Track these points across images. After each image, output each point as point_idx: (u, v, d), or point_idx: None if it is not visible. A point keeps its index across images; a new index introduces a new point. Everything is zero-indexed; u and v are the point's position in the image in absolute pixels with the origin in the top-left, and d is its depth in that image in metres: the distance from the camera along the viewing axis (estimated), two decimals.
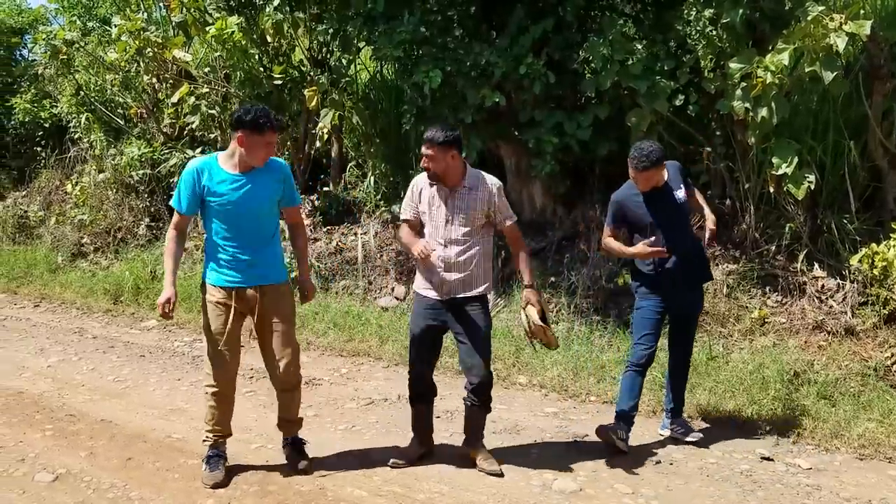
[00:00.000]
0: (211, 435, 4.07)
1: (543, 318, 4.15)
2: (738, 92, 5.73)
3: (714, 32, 6.04)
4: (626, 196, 4.54)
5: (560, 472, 4.14)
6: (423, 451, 4.33)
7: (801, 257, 6.12)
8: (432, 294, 4.07)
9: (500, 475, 4.08)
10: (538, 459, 4.31)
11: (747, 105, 5.69)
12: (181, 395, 5.42)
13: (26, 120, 12.02)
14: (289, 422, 4.24)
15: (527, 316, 4.14)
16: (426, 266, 4.04)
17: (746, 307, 6.12)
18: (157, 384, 5.66)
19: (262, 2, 8.80)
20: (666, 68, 6.24)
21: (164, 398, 5.35)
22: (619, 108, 6.64)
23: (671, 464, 4.30)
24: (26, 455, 4.31)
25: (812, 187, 5.67)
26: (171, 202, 3.98)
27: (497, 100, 6.57)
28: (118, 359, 6.29)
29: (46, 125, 12.03)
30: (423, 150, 3.94)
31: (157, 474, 4.10)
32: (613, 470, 4.18)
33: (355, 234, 8.24)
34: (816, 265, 6.09)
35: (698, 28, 6.13)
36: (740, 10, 5.67)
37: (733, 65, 5.73)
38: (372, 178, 8.50)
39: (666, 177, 4.44)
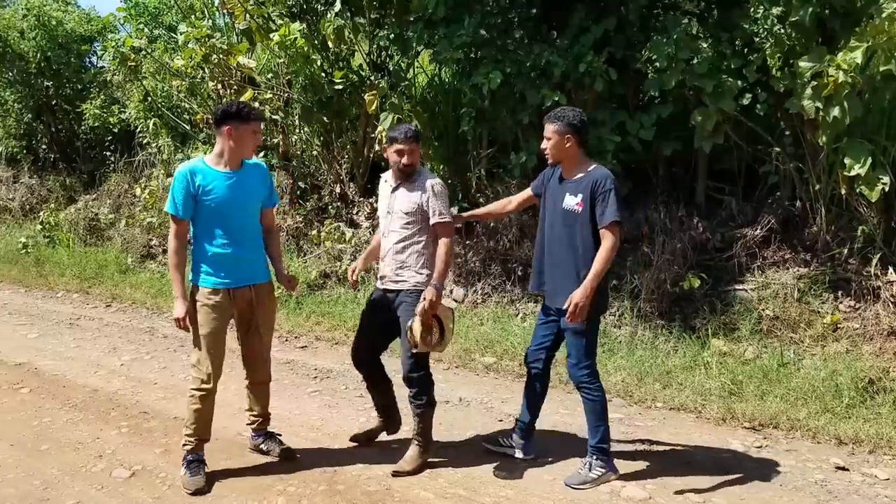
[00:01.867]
0: (193, 439, 4.08)
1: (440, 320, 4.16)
2: (809, 91, 5.60)
3: (782, 30, 5.89)
4: None
5: (628, 479, 4.10)
6: (378, 427, 4.64)
7: (874, 261, 5.92)
8: (378, 283, 4.38)
9: (408, 473, 4.15)
10: None
11: (818, 104, 5.55)
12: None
13: (96, 125, 12.40)
14: (266, 416, 4.44)
15: (410, 328, 4.06)
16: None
17: (818, 312, 5.97)
18: (225, 383, 5.68)
19: (323, 8, 8.93)
20: (732, 67, 6.14)
21: (234, 397, 5.43)
22: (683, 107, 6.54)
23: (743, 472, 4.21)
24: (103, 451, 4.46)
25: (886, 189, 5.50)
26: (167, 208, 3.99)
27: (557, 99, 6.53)
28: (188, 358, 6.39)
29: (115, 130, 12.39)
30: (398, 146, 4.15)
31: (229, 472, 4.20)
32: (683, 478, 4.11)
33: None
34: (891, 269, 5.89)
35: (766, 26, 5.97)
36: (810, 8, 5.53)
37: (803, 63, 5.60)
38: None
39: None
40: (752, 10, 5.98)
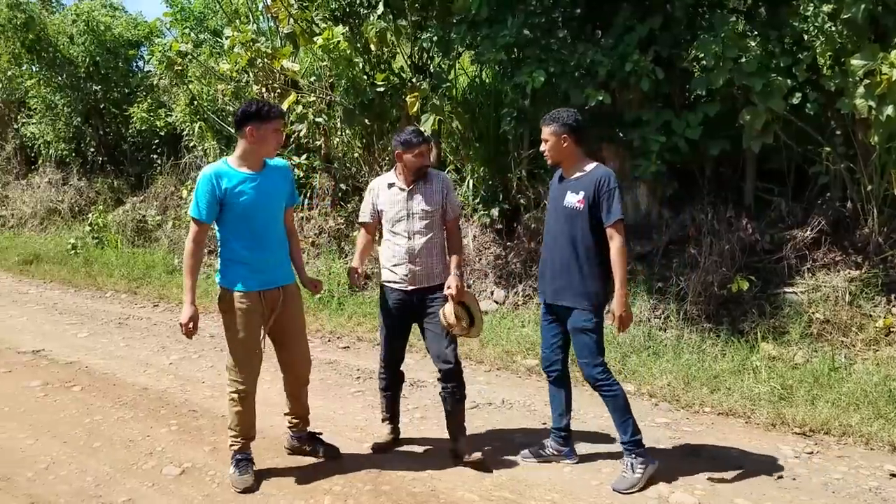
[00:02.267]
0: (239, 439, 4.12)
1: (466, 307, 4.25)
2: (861, 90, 5.49)
3: (833, 28, 5.76)
4: None
5: (676, 484, 4.04)
6: (396, 433, 4.63)
7: None
8: (399, 286, 4.33)
9: (488, 470, 4.21)
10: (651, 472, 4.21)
11: (871, 103, 5.44)
12: (286, 400, 5.56)
13: (143, 129, 12.65)
14: (305, 418, 4.44)
15: (443, 314, 4.16)
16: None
17: (870, 315, 5.82)
18: (271, 382, 5.80)
19: (366, 11, 8.98)
20: (782, 65, 6.02)
21: (279, 396, 5.42)
22: (731, 106, 6.44)
23: (793, 479, 4.13)
24: (154, 449, 4.54)
25: None
26: (190, 213, 3.94)
27: (601, 98, 6.48)
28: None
29: (162, 133, 12.62)
30: (418, 149, 4.21)
31: (276, 470, 4.24)
32: (733, 484, 4.04)
33: None
34: None
35: (816, 24, 5.85)
36: (862, 5, 5.41)
37: (855, 61, 5.48)
38: (470, 181, 8.53)
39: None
40: (801, 7, 5.86)
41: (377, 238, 4.98)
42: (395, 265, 4.32)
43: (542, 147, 4.16)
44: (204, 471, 4.24)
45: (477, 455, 4.24)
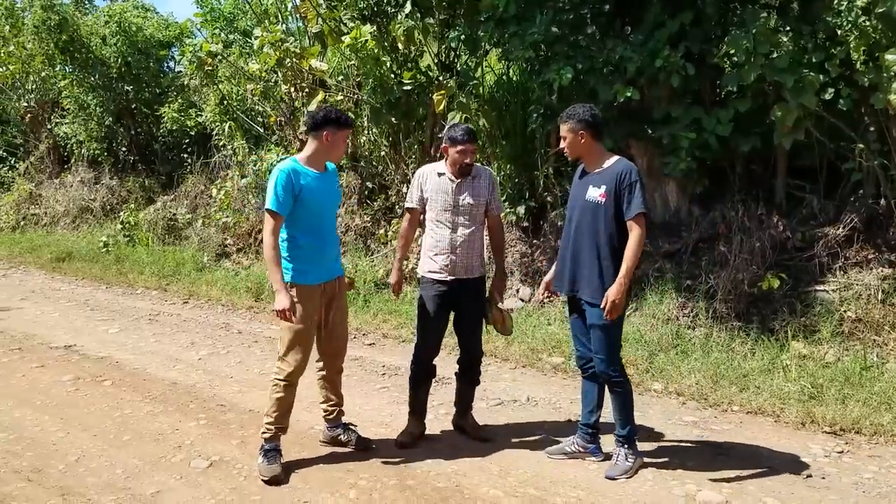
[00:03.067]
0: (273, 427, 4.19)
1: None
2: (895, 85, 5.36)
3: (867, 22, 5.66)
4: None
5: (704, 483, 3.99)
6: (423, 429, 4.67)
7: None
8: (441, 276, 4.41)
9: (489, 440, 4.57)
10: (679, 469, 4.17)
11: None
12: (319, 391, 5.59)
13: (174, 128, 12.80)
14: (341, 404, 4.58)
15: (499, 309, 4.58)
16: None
17: None
18: (300, 379, 5.87)
19: (393, 10, 9.01)
20: (814, 61, 5.92)
21: (306, 391, 5.45)
22: (762, 103, 6.35)
23: (823, 478, 4.07)
24: (182, 442, 4.59)
25: None
26: (269, 205, 4.03)
27: (630, 94, 6.43)
28: (262, 353, 6.59)
29: (192, 133, 12.77)
30: (462, 147, 4.29)
31: (301, 463, 4.26)
32: (761, 482, 3.99)
33: None
34: None
35: (849, 18, 5.74)
36: None
37: (890, 56, 5.39)
38: (497, 179, 8.51)
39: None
40: (834, 2, 5.76)
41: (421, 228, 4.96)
42: (436, 254, 4.40)
43: (562, 144, 4.18)
44: (232, 464, 4.27)
45: (480, 432, 4.64)
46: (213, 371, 6.05)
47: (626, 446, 4.14)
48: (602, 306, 3.93)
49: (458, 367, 4.64)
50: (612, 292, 3.90)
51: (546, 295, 4.55)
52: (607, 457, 4.27)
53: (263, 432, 4.20)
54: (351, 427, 4.56)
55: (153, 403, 5.28)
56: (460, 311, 4.49)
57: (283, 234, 4.15)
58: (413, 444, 4.53)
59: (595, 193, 4.01)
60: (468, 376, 4.60)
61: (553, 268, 4.38)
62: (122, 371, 6.05)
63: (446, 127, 4.44)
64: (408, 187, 9.47)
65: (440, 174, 4.43)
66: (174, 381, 5.77)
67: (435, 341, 4.52)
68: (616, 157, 4.13)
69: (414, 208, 4.50)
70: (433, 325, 4.48)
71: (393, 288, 4.67)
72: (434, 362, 4.59)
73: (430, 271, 4.44)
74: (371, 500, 3.86)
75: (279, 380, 4.19)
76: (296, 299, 4.09)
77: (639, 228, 3.92)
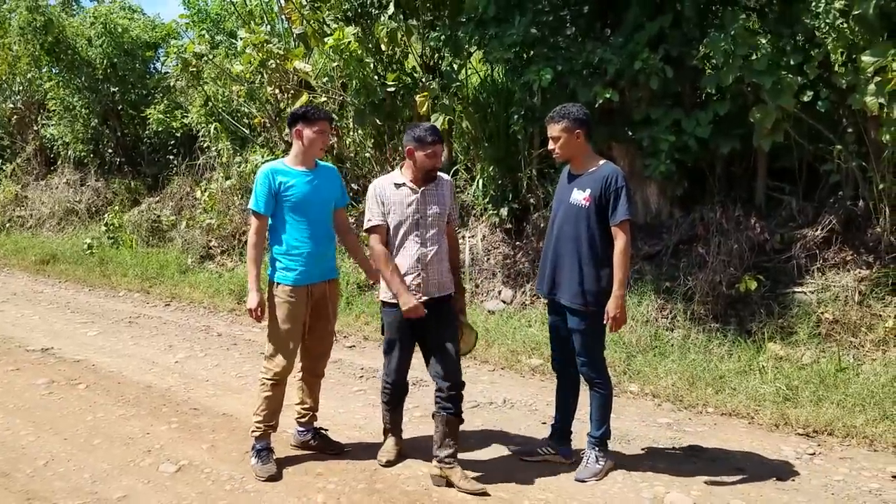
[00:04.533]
0: (262, 426, 4.21)
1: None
2: (872, 87, 5.39)
3: (845, 24, 5.67)
4: None
5: (673, 485, 3.99)
6: (402, 444, 4.41)
7: None
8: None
9: (486, 494, 3.90)
10: (649, 471, 4.17)
11: (882, 100, 5.35)
12: (296, 392, 5.57)
13: (159, 129, 12.72)
14: (316, 409, 4.53)
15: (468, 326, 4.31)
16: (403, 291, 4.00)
17: (880, 316, 5.72)
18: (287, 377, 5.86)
19: (377, 11, 8.99)
20: (793, 63, 5.92)
21: None
22: (741, 104, 6.35)
23: (793, 480, 4.06)
24: (153, 446, 4.55)
25: None
26: (251, 205, 4.16)
27: (609, 96, 6.43)
28: (240, 356, 6.56)
29: (178, 134, 12.69)
30: (431, 149, 3.95)
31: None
32: (731, 486, 3.98)
33: (462, 237, 8.26)
34: None
35: (827, 20, 5.75)
36: (874, 1, 5.31)
37: (866, 58, 5.39)
38: (480, 181, 8.50)
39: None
40: (812, 4, 5.76)
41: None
42: (404, 274, 3.99)
43: (551, 145, 4.05)
44: (200, 468, 4.24)
45: (473, 485, 3.94)
46: (189, 374, 6.02)
47: (597, 448, 4.13)
48: (605, 322, 3.94)
49: (438, 401, 4.03)
50: (612, 307, 3.88)
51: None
52: (578, 458, 4.26)
53: (253, 431, 4.23)
54: (322, 431, 4.53)
55: (126, 407, 5.25)
56: (435, 333, 4.02)
57: (272, 233, 4.19)
58: (398, 460, 4.30)
59: (579, 196, 3.96)
60: (452, 410, 4.00)
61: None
62: (97, 374, 6.01)
63: (407, 129, 4.05)
64: None
65: (398, 185, 4.01)
66: (149, 385, 5.73)
67: (406, 364, 4.19)
68: (603, 161, 4.07)
69: (380, 224, 4.01)
70: (404, 354, 4.15)
71: (417, 309, 3.95)
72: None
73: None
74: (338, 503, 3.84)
75: (266, 379, 4.20)
76: (279, 298, 4.10)
77: (624, 235, 3.88)
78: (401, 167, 4.11)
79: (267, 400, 4.21)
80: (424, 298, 4.00)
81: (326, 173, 4.29)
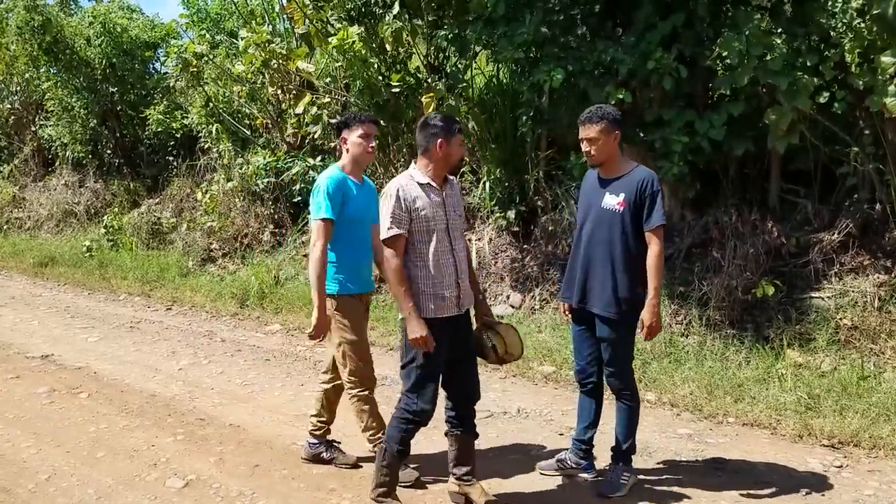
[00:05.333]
0: (379, 435, 4.08)
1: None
2: (891, 88, 5.28)
3: (862, 24, 5.56)
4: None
5: (699, 500, 3.86)
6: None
7: None
8: (451, 312, 3.61)
9: None
10: (674, 486, 4.04)
11: None
12: (305, 400, 5.43)
13: (159, 130, 12.61)
14: (332, 422, 4.40)
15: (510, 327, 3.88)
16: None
17: None
18: (282, 389, 5.73)
19: (381, 11, 8.86)
20: (808, 63, 5.80)
21: (288, 403, 5.40)
22: (756, 106, 6.23)
23: (823, 494, 3.93)
24: (158, 460, 4.41)
25: None
26: (323, 214, 3.89)
27: (622, 97, 6.31)
28: (245, 362, 6.43)
29: (178, 136, 12.58)
30: (461, 136, 3.62)
31: (283, 482, 4.10)
32: (759, 500, 3.85)
33: (469, 240, 8.13)
34: None
35: (844, 20, 5.64)
36: (892, 0, 5.19)
37: (885, 59, 5.27)
38: (486, 183, 8.38)
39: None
40: (828, 3, 5.65)
41: None
42: (445, 287, 3.56)
43: (585, 147, 3.87)
44: (209, 483, 4.10)
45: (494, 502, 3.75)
46: (193, 382, 5.88)
47: (622, 463, 4.00)
48: (640, 331, 3.84)
49: (452, 420, 3.75)
50: (647, 316, 3.78)
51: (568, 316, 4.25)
52: (599, 473, 4.13)
53: (371, 441, 4.15)
54: (335, 444, 4.39)
55: (130, 417, 5.11)
56: (465, 348, 3.70)
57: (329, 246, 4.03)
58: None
59: (613, 201, 3.82)
60: (468, 426, 3.75)
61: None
62: (99, 382, 5.87)
63: (424, 123, 3.60)
64: None
65: (422, 184, 3.56)
66: (153, 393, 5.60)
67: (436, 395, 3.66)
68: (636, 164, 3.96)
69: (402, 234, 3.49)
70: (439, 368, 3.61)
71: (426, 341, 3.46)
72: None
73: (439, 314, 3.56)
74: None
75: (354, 395, 4.09)
76: (347, 308, 4.03)
77: (658, 241, 3.77)
78: (416, 165, 3.63)
79: (364, 414, 4.13)
80: (459, 313, 3.64)
81: (368, 188, 4.23)
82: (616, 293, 3.82)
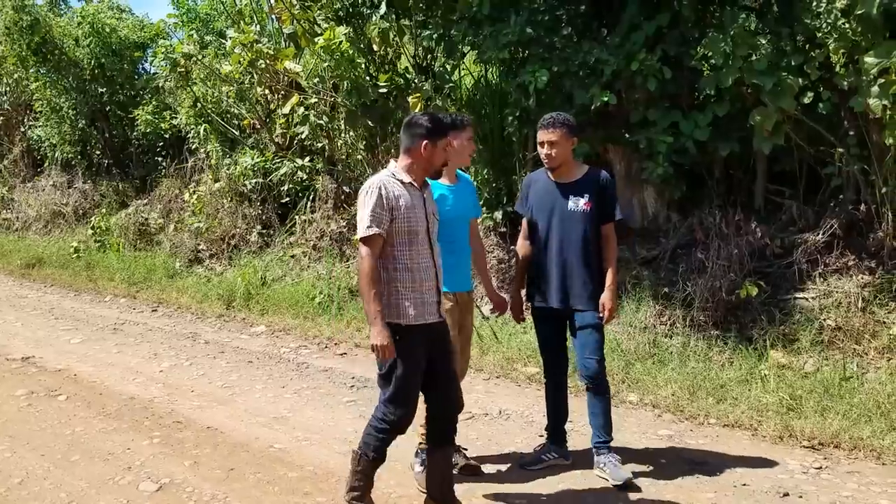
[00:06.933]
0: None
1: None
2: (875, 88, 5.26)
3: (847, 24, 5.55)
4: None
5: (677, 501, 3.83)
6: None
7: None
8: (432, 318, 3.51)
9: None
10: (652, 488, 4.01)
11: (885, 102, 5.23)
12: (285, 402, 5.41)
13: (148, 131, 12.51)
14: None
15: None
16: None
17: (884, 322, 5.57)
18: (263, 391, 5.69)
19: (368, 11, 8.83)
20: (793, 64, 5.80)
21: (268, 405, 5.36)
22: (741, 106, 6.22)
23: (800, 496, 3.90)
24: (133, 463, 4.36)
25: None
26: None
27: (607, 98, 6.29)
28: (227, 364, 6.39)
29: (166, 136, 12.50)
30: (443, 142, 3.52)
31: (257, 486, 4.06)
32: (737, 501, 3.82)
33: None
34: None
35: (828, 20, 5.63)
36: (877, 1, 5.18)
37: (869, 59, 5.26)
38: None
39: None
40: (813, 3, 5.63)
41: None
42: (426, 292, 3.47)
43: (546, 150, 4.04)
44: (182, 487, 4.05)
45: None
46: (173, 385, 5.84)
47: (611, 452, 4.13)
48: (600, 317, 4.06)
49: (429, 432, 3.63)
50: (608, 301, 4.04)
51: (522, 318, 4.50)
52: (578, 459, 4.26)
53: (421, 443, 3.99)
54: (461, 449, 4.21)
55: (107, 420, 5.06)
56: (446, 355, 3.62)
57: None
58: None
59: (580, 203, 4.05)
60: (448, 437, 3.64)
61: (516, 286, 4.39)
62: (78, 385, 5.83)
63: (412, 119, 3.54)
64: None
65: (405, 183, 3.49)
66: (132, 396, 5.55)
67: (416, 404, 3.58)
68: (587, 166, 4.23)
69: (381, 234, 3.39)
70: (417, 380, 3.50)
71: (387, 350, 3.35)
72: None
73: (419, 319, 3.47)
74: None
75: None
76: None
77: (614, 233, 4.17)
78: (401, 166, 3.52)
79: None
80: (440, 319, 3.55)
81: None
82: (594, 287, 4.07)
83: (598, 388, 4.10)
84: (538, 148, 4.15)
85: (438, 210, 3.71)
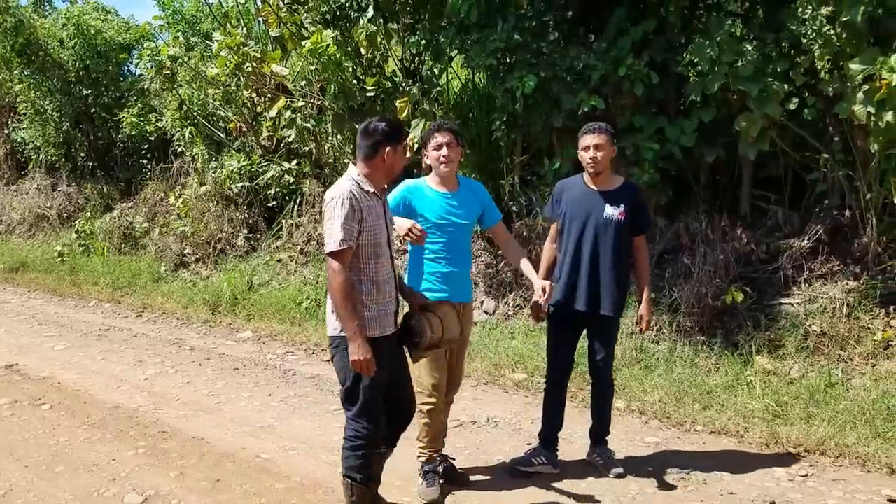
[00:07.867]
0: (426, 451, 4.01)
1: None
2: (860, 95, 5.28)
3: (832, 31, 5.58)
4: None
5: None
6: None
7: None
8: (391, 329, 3.50)
9: None
10: (638, 495, 4.02)
11: (870, 109, 5.24)
12: (272, 411, 5.38)
13: (133, 133, 12.41)
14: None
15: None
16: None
17: (868, 328, 5.61)
18: (249, 399, 5.66)
19: (356, 14, 8.80)
20: (779, 70, 5.83)
21: (254, 414, 5.33)
22: (727, 112, 6.24)
23: None
24: (118, 474, 4.33)
25: None
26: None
27: (594, 103, 6.30)
28: (213, 371, 6.35)
29: (152, 138, 12.40)
30: (402, 148, 3.44)
31: (243, 498, 4.03)
32: None
33: None
34: None
35: (814, 27, 5.66)
36: (861, 7, 5.21)
37: (854, 66, 5.28)
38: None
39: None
40: (799, 10, 5.66)
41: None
42: (388, 304, 3.46)
43: (592, 153, 4.11)
44: (167, 499, 4.03)
45: None
46: (158, 393, 5.79)
47: (607, 444, 4.42)
48: (641, 329, 4.37)
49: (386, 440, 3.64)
50: (646, 311, 4.29)
51: (544, 314, 4.34)
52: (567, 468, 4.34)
53: (419, 456, 4.03)
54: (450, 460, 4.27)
55: (91, 430, 5.01)
56: (403, 364, 3.68)
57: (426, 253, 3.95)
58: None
59: (615, 212, 4.15)
60: (397, 440, 3.72)
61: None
62: (62, 393, 5.77)
63: (369, 125, 3.45)
64: None
65: (369, 193, 3.40)
66: (116, 405, 5.50)
67: (383, 415, 3.59)
68: (622, 178, 4.36)
69: (351, 247, 3.29)
70: (380, 394, 3.51)
71: (369, 365, 3.30)
72: None
73: (383, 331, 3.45)
74: None
75: (420, 405, 3.86)
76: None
77: (646, 244, 4.35)
78: (361, 174, 3.40)
79: (425, 427, 3.99)
80: (396, 329, 3.54)
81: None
82: (620, 294, 4.20)
83: (607, 389, 4.41)
84: (580, 153, 4.20)
85: (439, 217, 3.89)
